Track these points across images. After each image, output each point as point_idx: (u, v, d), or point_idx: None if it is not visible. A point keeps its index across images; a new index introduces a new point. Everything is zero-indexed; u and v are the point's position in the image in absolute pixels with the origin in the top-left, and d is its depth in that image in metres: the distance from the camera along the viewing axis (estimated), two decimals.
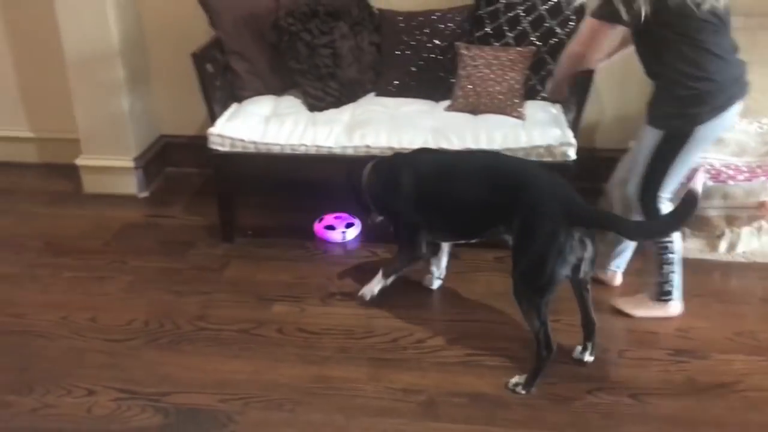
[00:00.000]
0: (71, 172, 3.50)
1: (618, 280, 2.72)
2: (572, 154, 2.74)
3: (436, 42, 3.09)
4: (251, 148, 2.87)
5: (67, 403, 2.20)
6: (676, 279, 2.47)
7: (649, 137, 2.30)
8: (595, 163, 3.09)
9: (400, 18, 3.13)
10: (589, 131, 3.23)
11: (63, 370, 2.33)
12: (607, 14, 2.14)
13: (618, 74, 3.22)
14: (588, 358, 2.33)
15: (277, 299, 2.67)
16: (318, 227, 3.08)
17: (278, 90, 3.17)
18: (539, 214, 2.12)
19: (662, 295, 2.49)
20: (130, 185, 3.42)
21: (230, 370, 2.32)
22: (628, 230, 2.24)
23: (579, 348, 2.35)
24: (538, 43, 3.00)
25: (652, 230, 2.30)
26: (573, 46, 2.36)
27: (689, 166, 2.35)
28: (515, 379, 2.23)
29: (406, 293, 2.64)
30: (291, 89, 3.16)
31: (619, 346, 2.42)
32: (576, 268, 2.15)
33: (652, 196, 2.36)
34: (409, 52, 3.11)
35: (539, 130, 2.78)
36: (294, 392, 2.23)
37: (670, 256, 2.43)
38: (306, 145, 2.85)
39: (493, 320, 2.53)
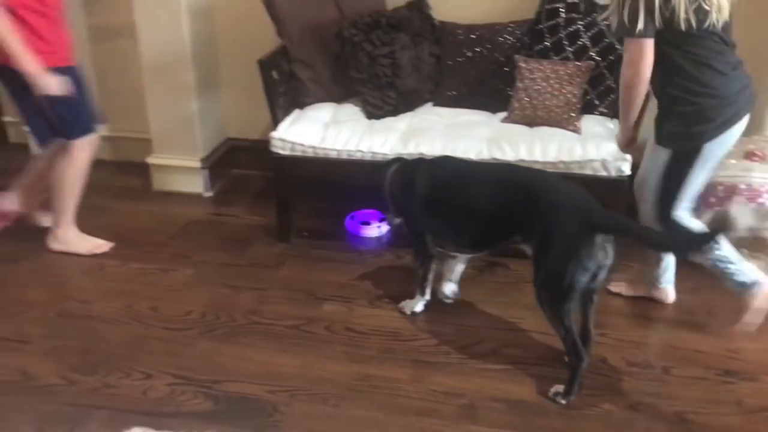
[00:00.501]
0: (141, 169, 3.69)
1: (671, 295, 2.69)
2: (627, 169, 2.74)
3: (495, 54, 3.14)
4: (310, 153, 2.98)
5: (126, 384, 2.33)
6: (745, 265, 2.35)
7: (659, 156, 2.31)
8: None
9: (461, 30, 3.19)
10: (642, 148, 3.20)
11: (124, 354, 2.47)
12: (648, 31, 2.10)
13: None
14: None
15: (328, 298, 2.76)
16: (351, 224, 3.17)
17: (339, 98, 3.28)
18: (558, 222, 2.14)
19: (744, 288, 2.32)
20: (196, 184, 3.58)
21: (279, 363, 2.42)
22: (650, 239, 2.27)
23: (557, 388, 2.27)
24: (597, 58, 3.01)
25: (675, 242, 2.25)
26: (633, 79, 2.18)
27: (702, 181, 2.36)
28: (555, 388, 2.25)
29: (454, 302, 2.69)
30: (351, 97, 3.26)
31: (663, 362, 2.41)
32: (593, 276, 2.15)
33: (668, 213, 2.36)
34: (467, 64, 3.17)
35: (595, 144, 2.79)
36: (338, 388, 2.30)
37: (719, 254, 2.34)
38: (362, 152, 2.94)
39: (539, 330, 2.54)
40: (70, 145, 2.91)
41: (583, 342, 2.26)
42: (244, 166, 3.78)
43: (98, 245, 3.08)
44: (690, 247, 2.27)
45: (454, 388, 2.29)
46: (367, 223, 3.20)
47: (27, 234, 3.24)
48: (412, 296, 2.66)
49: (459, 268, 2.67)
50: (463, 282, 2.70)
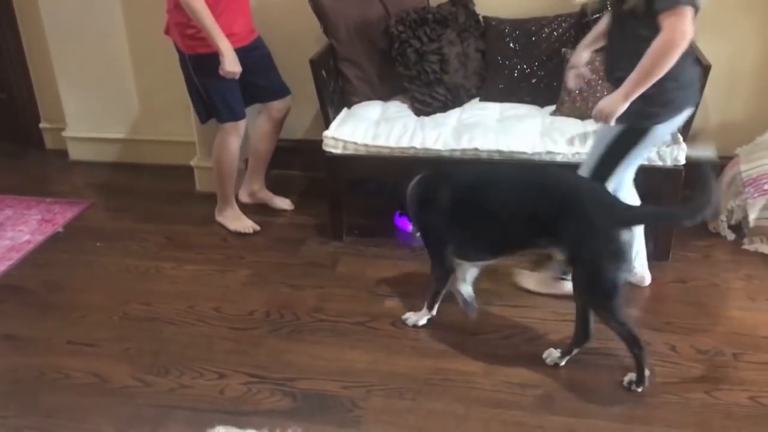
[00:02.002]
0: (184, 172, 3.71)
1: (648, 277, 2.75)
2: (682, 158, 2.75)
3: (542, 48, 3.15)
4: (362, 151, 2.99)
5: (201, 384, 2.35)
6: None
7: (608, 129, 2.33)
8: (698, 170, 3.10)
9: (506, 25, 3.21)
10: (693, 138, 3.22)
11: (193, 354, 2.49)
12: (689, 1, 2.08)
13: (725, 82, 3.22)
14: (563, 363, 2.34)
15: (388, 295, 2.78)
16: (400, 220, 3.19)
17: (385, 95, 3.29)
18: (588, 223, 2.13)
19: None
20: (240, 186, 3.59)
21: (350, 359, 2.43)
22: (676, 216, 2.36)
23: (557, 352, 2.35)
24: None
25: (700, 208, 2.18)
26: (679, 51, 2.12)
27: (636, 164, 2.44)
28: (629, 377, 2.26)
29: (515, 295, 2.70)
30: (397, 95, 3.28)
31: (733, 349, 2.42)
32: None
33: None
34: (513, 58, 3.19)
35: None
36: (413, 382, 2.32)
37: None
38: (415, 148, 2.95)
39: None
40: (221, 127, 3.11)
41: (579, 339, 2.31)
42: (286, 167, 3.79)
43: (247, 226, 3.25)
44: (711, 208, 2.23)
45: (529, 380, 2.31)
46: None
47: (80, 240, 3.26)
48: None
49: (473, 271, 2.59)
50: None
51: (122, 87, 3.84)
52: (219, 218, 3.32)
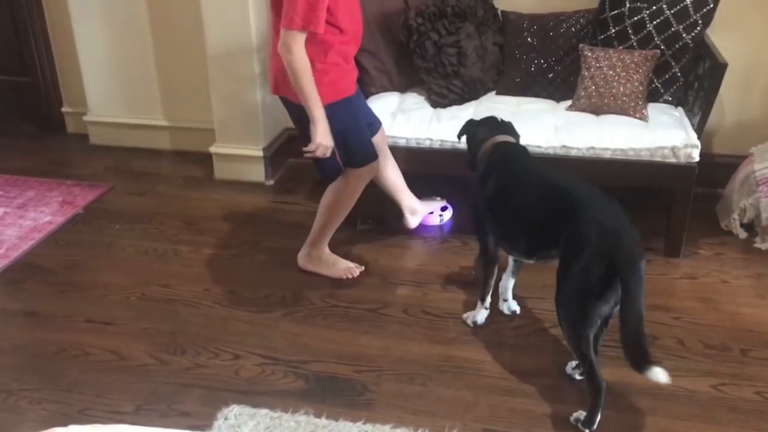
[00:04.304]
0: (202, 159, 3.76)
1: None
2: (696, 155, 2.78)
3: (559, 43, 3.18)
4: None
5: (217, 364, 2.40)
6: None
7: None
8: (712, 169, 3.13)
9: (524, 19, 3.23)
10: (707, 136, 3.24)
11: (209, 335, 2.54)
12: None
13: (741, 80, 3.23)
14: (579, 376, 2.26)
15: (400, 283, 2.82)
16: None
17: (402, 87, 3.33)
18: (580, 246, 2.01)
19: None
20: (258, 173, 3.64)
21: (362, 344, 2.48)
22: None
23: (573, 363, 2.28)
24: (662, 47, 3.04)
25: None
26: None
27: None
28: (577, 414, 2.12)
29: (527, 286, 2.73)
30: (414, 87, 3.31)
31: (740, 345, 2.45)
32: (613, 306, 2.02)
33: None
34: (531, 53, 3.21)
35: (663, 132, 2.83)
36: (423, 368, 2.36)
37: None
38: (431, 139, 2.99)
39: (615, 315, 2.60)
40: (349, 171, 2.73)
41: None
42: (302, 156, 3.82)
43: (350, 269, 2.87)
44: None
45: (538, 369, 2.35)
46: (430, 213, 3.24)
47: (100, 222, 3.33)
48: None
49: (510, 283, 2.59)
50: (533, 267, 2.71)
51: (144, 73, 3.90)
52: (307, 265, 2.90)
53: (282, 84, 2.57)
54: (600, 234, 2.00)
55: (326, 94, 2.50)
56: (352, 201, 2.84)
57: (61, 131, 4.33)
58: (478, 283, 2.58)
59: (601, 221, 2.03)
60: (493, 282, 2.52)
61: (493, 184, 2.38)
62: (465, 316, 2.59)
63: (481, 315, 2.55)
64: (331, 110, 2.53)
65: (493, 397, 2.24)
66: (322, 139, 2.51)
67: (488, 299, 2.54)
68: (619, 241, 1.99)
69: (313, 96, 2.45)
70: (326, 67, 2.50)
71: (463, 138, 2.65)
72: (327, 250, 2.92)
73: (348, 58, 2.62)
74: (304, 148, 2.58)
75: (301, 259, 2.92)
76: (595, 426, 2.08)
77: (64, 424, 1.11)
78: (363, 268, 2.89)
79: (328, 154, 2.57)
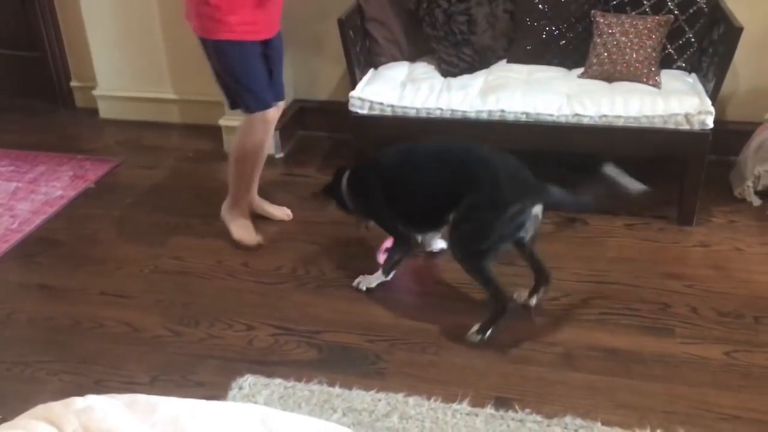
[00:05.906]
0: (212, 132, 3.75)
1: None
2: (710, 122, 2.74)
3: (570, 10, 3.13)
4: (388, 111, 3.01)
5: (230, 335, 2.42)
6: None
7: None
8: (726, 136, 3.09)
9: None
10: (721, 103, 3.20)
11: (222, 306, 2.56)
12: None
13: (756, 46, 3.18)
14: (533, 302, 2.46)
15: (412, 255, 2.82)
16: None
17: (412, 57, 3.29)
18: (482, 192, 2.23)
19: None
20: (268, 146, 3.62)
21: (374, 315, 2.49)
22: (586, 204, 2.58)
23: (525, 293, 2.46)
24: (675, 12, 2.99)
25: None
26: None
27: None
28: (473, 328, 2.34)
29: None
30: (424, 56, 3.28)
31: (753, 312, 2.44)
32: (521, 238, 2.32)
33: None
34: (542, 20, 3.17)
35: (677, 99, 2.79)
36: (434, 338, 2.37)
37: None
38: (441, 109, 2.97)
39: (625, 282, 2.59)
40: (247, 117, 2.75)
41: (542, 279, 2.44)
42: (312, 128, 3.82)
43: (252, 238, 2.90)
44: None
45: (550, 338, 2.35)
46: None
47: (111, 195, 3.34)
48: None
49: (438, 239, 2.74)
50: (544, 237, 2.71)
51: (152, 46, 3.88)
52: (225, 217, 2.95)
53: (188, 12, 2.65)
54: (499, 176, 2.24)
55: (213, 29, 2.55)
56: (254, 148, 2.82)
57: (71, 106, 4.33)
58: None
59: (512, 171, 2.27)
60: (401, 262, 2.61)
61: (376, 184, 2.49)
62: (357, 280, 2.63)
63: (374, 283, 2.60)
64: (214, 47, 2.62)
65: (505, 366, 2.24)
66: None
67: (391, 275, 2.61)
68: (529, 181, 2.26)
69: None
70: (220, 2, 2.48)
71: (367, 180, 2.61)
72: (245, 211, 2.95)
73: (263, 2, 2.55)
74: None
75: (223, 209, 2.98)
76: (486, 338, 2.31)
77: (81, 394, 1.11)
78: (264, 244, 2.88)
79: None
